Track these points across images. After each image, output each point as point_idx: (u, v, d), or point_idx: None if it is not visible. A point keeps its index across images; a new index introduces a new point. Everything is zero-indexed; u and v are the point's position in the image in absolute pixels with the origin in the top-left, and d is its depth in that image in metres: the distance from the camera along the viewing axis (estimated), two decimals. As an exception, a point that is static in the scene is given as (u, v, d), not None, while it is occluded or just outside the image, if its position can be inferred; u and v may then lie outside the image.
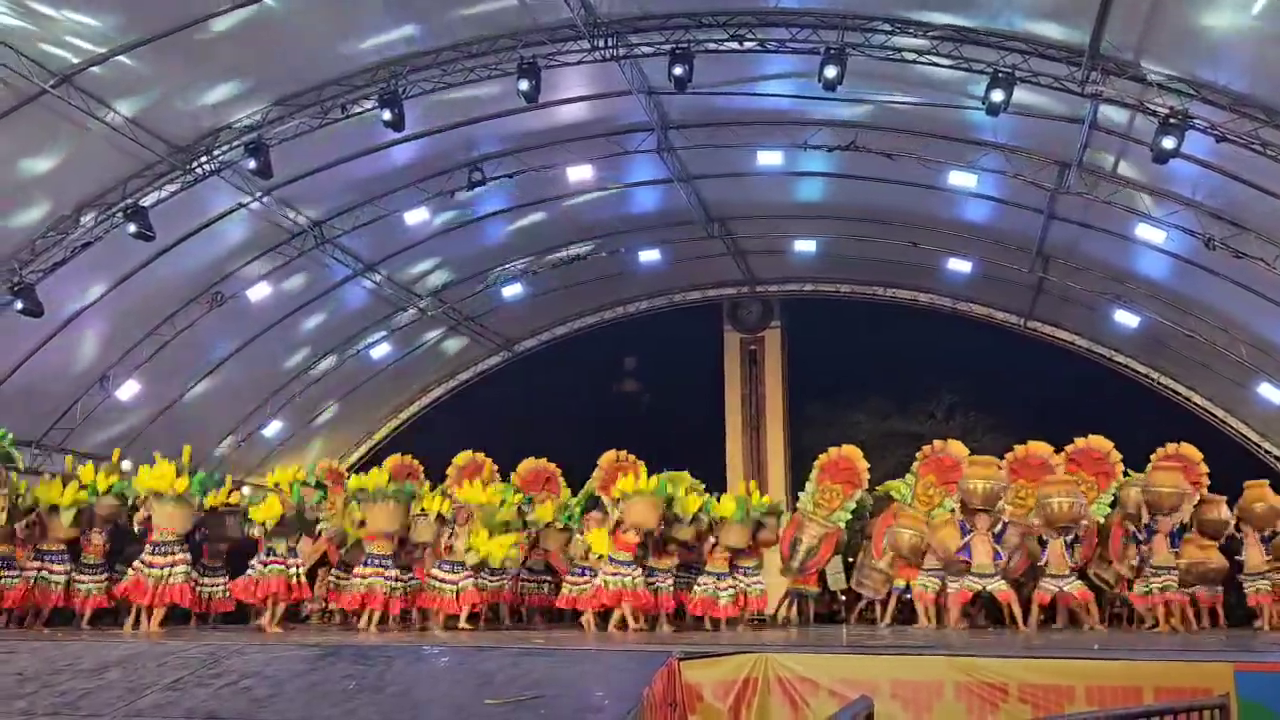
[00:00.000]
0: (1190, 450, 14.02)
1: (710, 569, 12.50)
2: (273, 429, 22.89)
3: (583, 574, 12.41)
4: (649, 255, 21.85)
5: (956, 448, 15.02)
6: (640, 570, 11.72)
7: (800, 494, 16.10)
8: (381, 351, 22.89)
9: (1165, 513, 12.91)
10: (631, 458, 15.42)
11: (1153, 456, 13.93)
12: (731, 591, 12.37)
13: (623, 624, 11.56)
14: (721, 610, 12.22)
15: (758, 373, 24.20)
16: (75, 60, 13.36)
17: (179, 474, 11.04)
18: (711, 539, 12.60)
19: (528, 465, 16.27)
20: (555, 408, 24.60)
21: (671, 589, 12.43)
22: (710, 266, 23.10)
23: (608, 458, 15.88)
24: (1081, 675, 6.78)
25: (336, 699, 6.54)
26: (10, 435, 11.80)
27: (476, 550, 11.51)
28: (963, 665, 6.99)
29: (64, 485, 12.08)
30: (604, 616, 11.82)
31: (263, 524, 11.03)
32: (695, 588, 12.48)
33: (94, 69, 13.56)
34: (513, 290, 22.36)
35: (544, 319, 24.85)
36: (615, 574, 11.52)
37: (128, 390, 18.96)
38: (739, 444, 23.61)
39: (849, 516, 15.48)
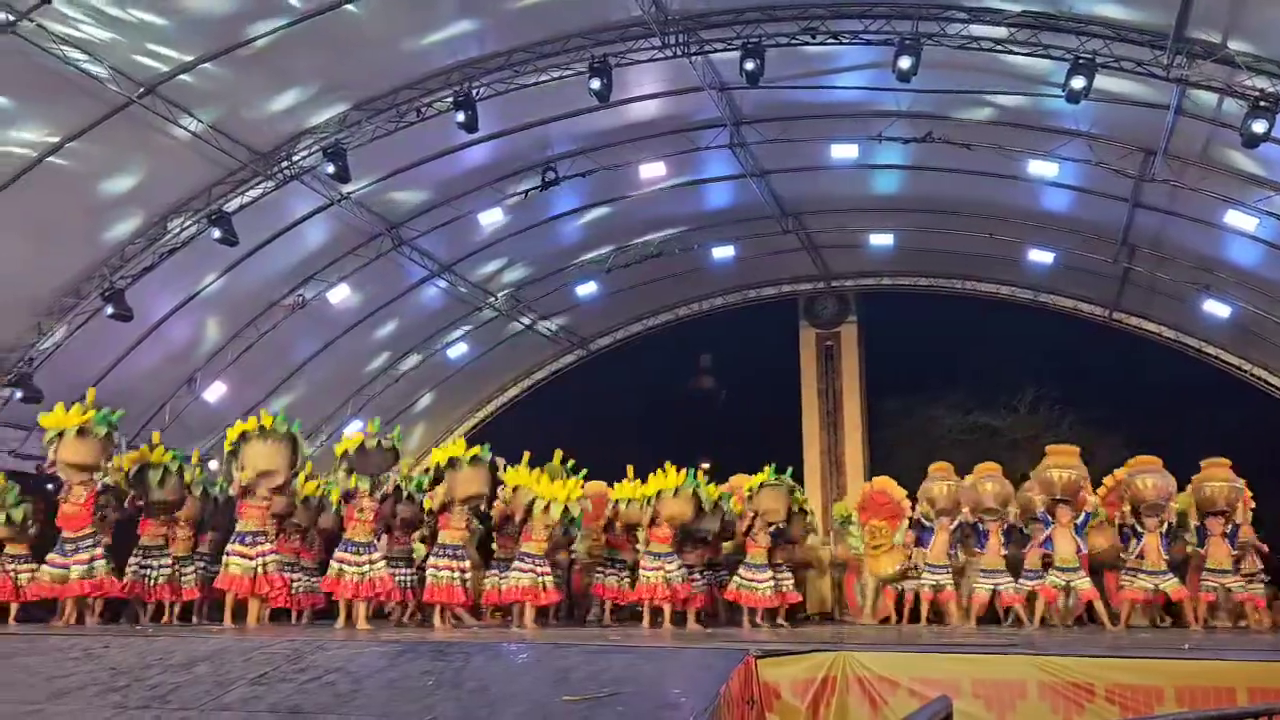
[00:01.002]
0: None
1: (750, 560, 12.43)
2: (353, 429, 23.26)
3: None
4: (723, 251, 21.78)
5: (888, 483, 14.79)
6: (678, 563, 11.79)
7: (846, 539, 15.33)
8: (459, 351, 23.15)
9: (1217, 513, 12.24)
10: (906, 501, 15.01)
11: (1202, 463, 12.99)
12: (772, 584, 12.31)
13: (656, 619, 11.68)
14: (760, 600, 12.14)
15: (834, 368, 23.98)
16: (160, 70, 13.72)
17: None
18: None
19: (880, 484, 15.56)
20: (630, 406, 24.68)
21: (704, 586, 12.64)
22: (785, 262, 22.95)
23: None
24: (1171, 675, 6.58)
25: (416, 695, 6.61)
26: (116, 413, 11.95)
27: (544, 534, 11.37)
28: (1047, 665, 6.84)
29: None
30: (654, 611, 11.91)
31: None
32: (735, 579, 12.45)
33: (178, 79, 13.92)
34: (587, 289, 22.47)
35: (618, 317, 24.91)
36: (655, 568, 11.62)
37: (214, 392, 19.45)
38: (816, 441, 23.42)
39: None
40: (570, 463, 12.96)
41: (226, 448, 11.31)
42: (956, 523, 12.91)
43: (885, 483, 15.03)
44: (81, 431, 11.15)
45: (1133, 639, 9.78)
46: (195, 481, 12.51)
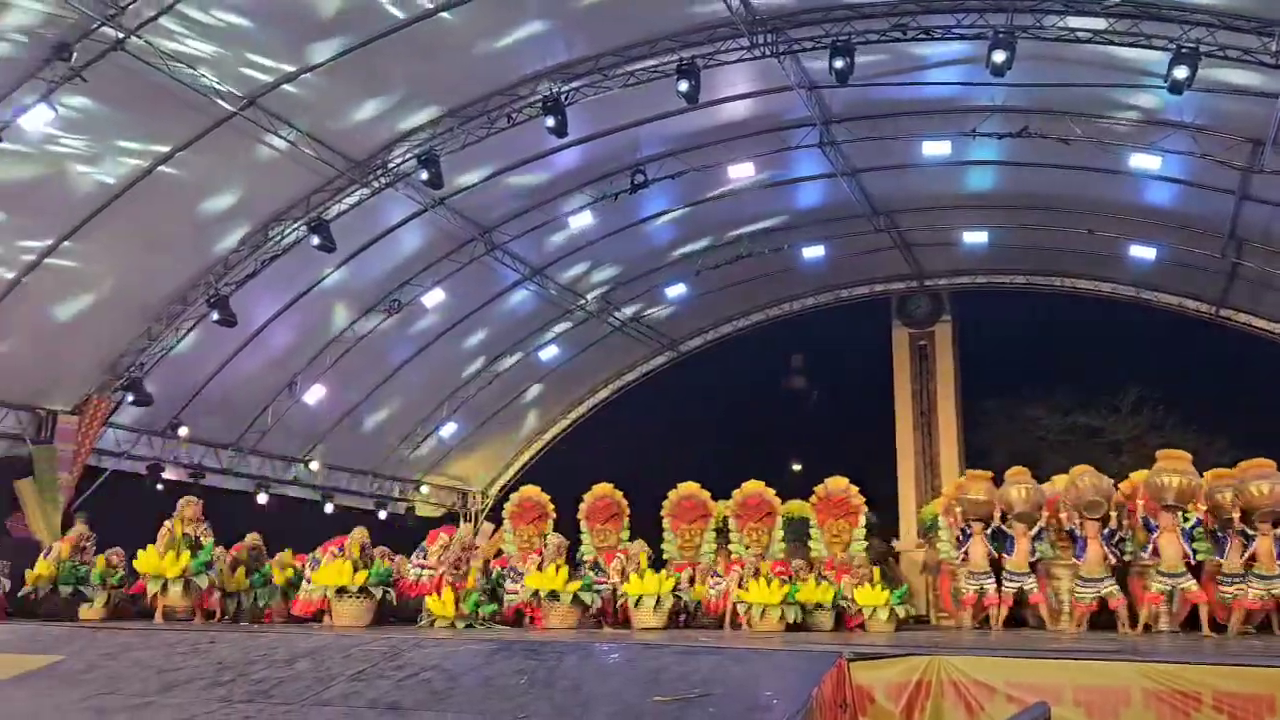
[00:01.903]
0: None
1: None
2: (448, 430, 23.68)
3: None
4: (813, 251, 21.57)
5: (837, 484, 14.39)
6: None
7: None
8: (550, 354, 23.38)
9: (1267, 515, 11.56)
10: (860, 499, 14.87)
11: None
12: None
13: None
14: None
15: (928, 369, 23.57)
16: (261, 83, 14.13)
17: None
18: None
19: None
20: (720, 407, 24.62)
21: None
22: (877, 261, 22.68)
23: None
24: (1282, 684, 6.35)
25: (510, 693, 6.69)
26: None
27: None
28: (1152, 672, 6.63)
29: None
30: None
31: None
32: None
33: (277, 91, 14.31)
34: (677, 290, 22.48)
35: (708, 318, 24.89)
36: None
37: (314, 394, 19.94)
38: (910, 443, 23.03)
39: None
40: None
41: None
42: (1037, 528, 12.67)
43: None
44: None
45: (1243, 646, 9.37)
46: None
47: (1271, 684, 6.34)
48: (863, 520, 14.33)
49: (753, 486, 14.66)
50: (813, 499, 14.56)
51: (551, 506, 14.94)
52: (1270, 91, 13.82)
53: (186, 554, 11.55)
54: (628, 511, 14.84)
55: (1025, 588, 12.61)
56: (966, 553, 12.88)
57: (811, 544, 14.42)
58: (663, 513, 14.79)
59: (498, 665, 7.26)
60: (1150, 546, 11.94)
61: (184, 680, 7.45)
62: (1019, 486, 12.99)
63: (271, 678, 7.32)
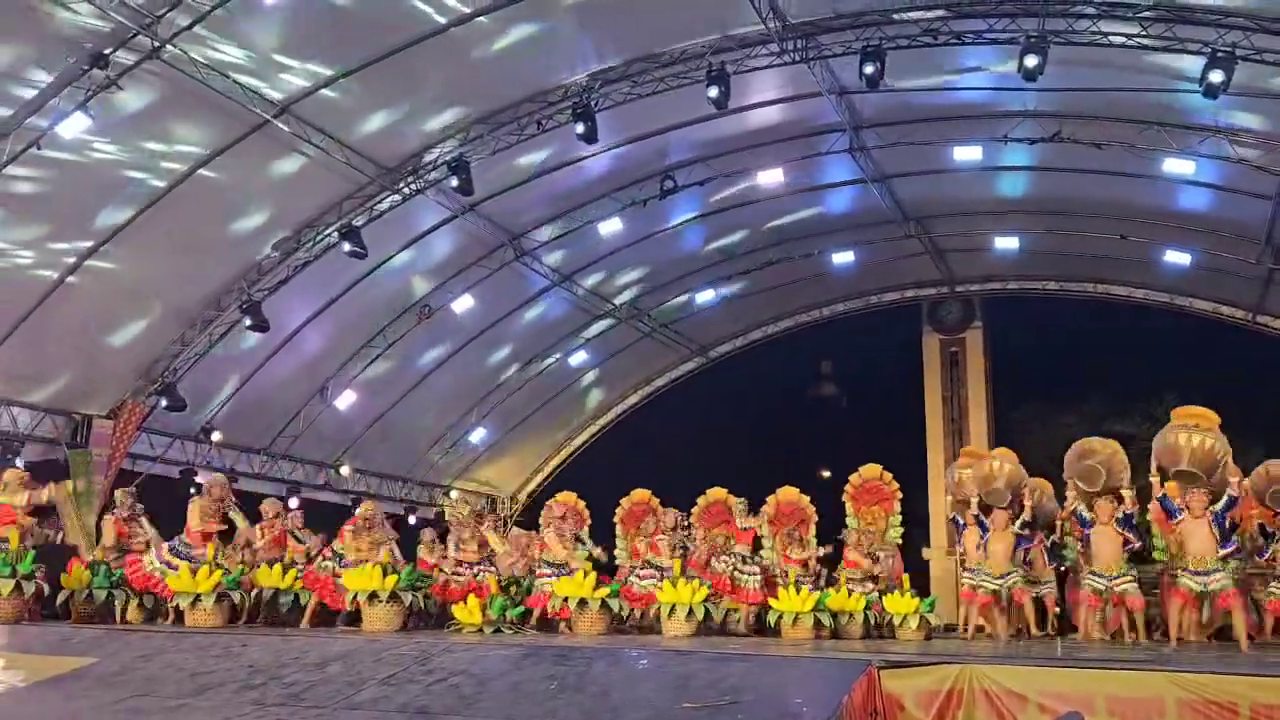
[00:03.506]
0: None
1: None
2: (477, 435, 23.76)
3: None
4: (843, 257, 21.52)
5: (871, 471, 14.40)
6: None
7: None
8: (579, 359, 23.42)
9: None
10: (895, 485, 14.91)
11: None
12: None
13: None
14: None
15: (959, 375, 23.45)
16: (294, 91, 14.26)
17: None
18: None
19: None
20: (749, 413, 24.57)
21: None
22: (907, 267, 22.58)
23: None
24: (1323, 696, 6.25)
25: (539, 698, 6.71)
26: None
27: None
28: (1187, 682, 6.55)
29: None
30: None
31: None
32: None
33: (310, 98, 14.44)
34: (706, 296, 22.48)
35: (738, 324, 24.85)
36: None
37: (345, 400, 20.08)
38: (940, 449, 22.89)
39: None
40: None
41: None
42: (1021, 519, 11.73)
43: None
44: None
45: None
46: None
47: (1310, 695, 6.26)
48: (897, 506, 14.35)
49: (788, 494, 14.68)
50: (847, 487, 14.61)
51: (586, 511, 15.00)
52: (1308, 95, 13.69)
53: (220, 571, 11.66)
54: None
55: (1005, 588, 11.59)
56: (962, 547, 12.17)
57: (764, 552, 14.19)
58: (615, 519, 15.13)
59: (527, 670, 7.28)
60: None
61: (217, 683, 7.51)
62: (982, 463, 12.39)
63: (303, 681, 7.37)
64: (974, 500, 12.10)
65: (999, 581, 11.54)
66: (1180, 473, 10.24)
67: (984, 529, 11.77)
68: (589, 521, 14.82)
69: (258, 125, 14.43)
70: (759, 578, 12.33)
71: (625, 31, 14.61)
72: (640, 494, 15.21)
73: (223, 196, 15.46)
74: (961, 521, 12.43)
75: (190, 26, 12.58)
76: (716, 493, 15.09)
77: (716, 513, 14.83)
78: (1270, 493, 11.41)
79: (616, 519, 15.27)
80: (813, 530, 14.43)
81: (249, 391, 18.73)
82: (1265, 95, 14.02)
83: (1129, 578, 10.66)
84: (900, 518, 14.47)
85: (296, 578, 12.10)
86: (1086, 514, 11.07)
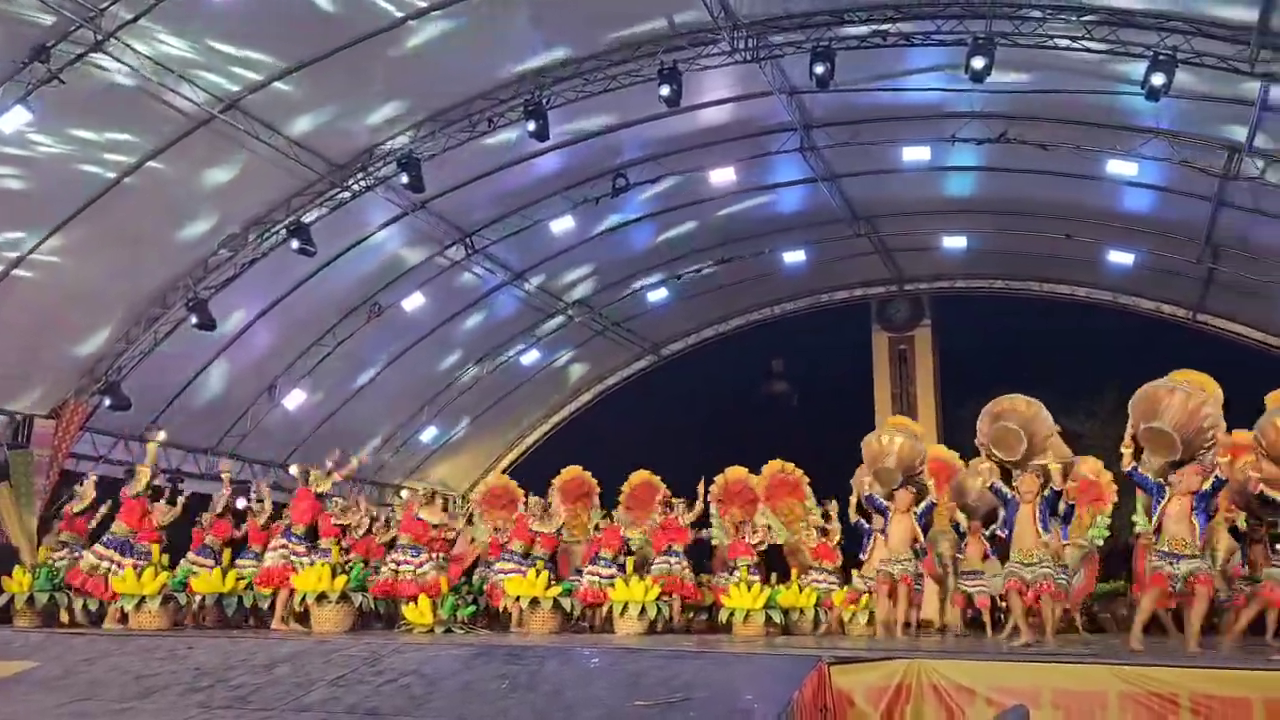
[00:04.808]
0: None
1: None
2: (428, 434, 23.62)
3: None
4: (794, 256, 21.67)
5: (773, 466, 14.34)
6: None
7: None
8: (531, 357, 23.34)
9: None
10: (798, 473, 14.95)
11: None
12: None
13: None
14: None
15: (908, 373, 23.69)
16: (241, 87, 14.07)
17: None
18: None
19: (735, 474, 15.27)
20: (701, 411, 24.64)
21: None
22: (857, 265, 22.77)
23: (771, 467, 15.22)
24: (1260, 687, 6.37)
25: (491, 697, 6.69)
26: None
27: None
28: (1129, 674, 6.68)
29: None
30: None
31: None
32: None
33: (258, 94, 14.25)
34: (658, 294, 22.52)
35: (689, 322, 24.92)
36: None
37: (294, 399, 19.86)
38: (890, 446, 23.09)
39: (1106, 533, 13.76)
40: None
41: None
42: (926, 501, 11.09)
43: (1094, 464, 13.79)
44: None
45: (1218, 648, 9.21)
46: None
47: (1250, 687, 6.40)
48: (808, 491, 14.38)
49: (736, 473, 14.80)
50: (761, 488, 14.65)
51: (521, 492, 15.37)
52: (1247, 99, 13.96)
53: (165, 574, 11.51)
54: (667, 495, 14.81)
55: (900, 573, 10.71)
56: (886, 533, 11.00)
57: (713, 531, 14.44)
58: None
59: (478, 670, 7.26)
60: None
61: (162, 686, 7.42)
62: (872, 439, 11.40)
63: (250, 683, 7.29)
64: (866, 480, 11.43)
65: (896, 568, 10.69)
66: (1151, 431, 8.94)
67: (884, 513, 10.95)
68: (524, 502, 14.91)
69: (204, 121, 14.21)
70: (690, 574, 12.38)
71: (577, 29, 14.59)
72: (639, 476, 15.45)
73: (168, 192, 15.20)
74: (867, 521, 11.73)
75: (135, 20, 12.36)
76: (641, 475, 15.32)
77: (641, 495, 15.02)
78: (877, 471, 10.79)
79: (621, 500, 15.44)
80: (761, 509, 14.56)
81: (195, 390, 18.45)
82: (1206, 98, 14.30)
83: (1049, 565, 9.47)
84: (814, 501, 14.56)
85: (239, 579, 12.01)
86: (1006, 490, 9.77)
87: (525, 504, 13.35)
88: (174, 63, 13.29)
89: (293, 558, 11.66)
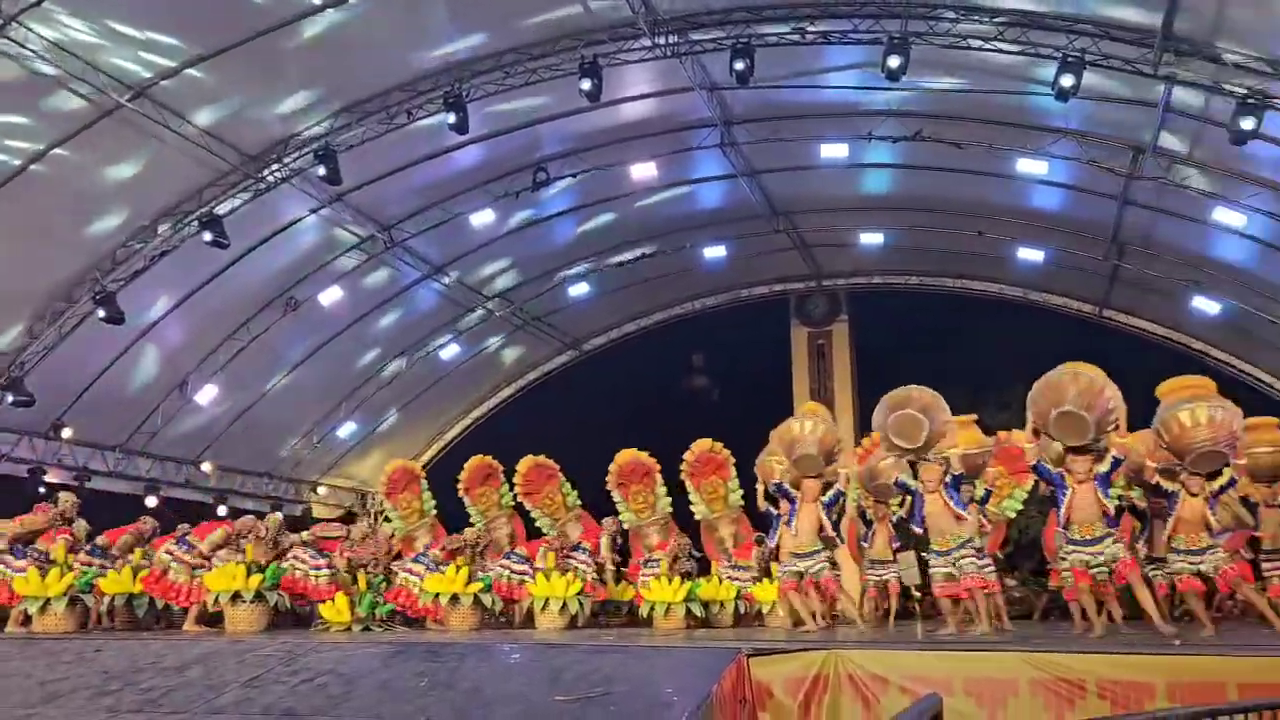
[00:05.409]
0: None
1: None
2: (346, 430, 23.30)
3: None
4: (714, 251, 21.81)
5: (702, 445, 14.57)
6: None
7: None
8: (451, 352, 23.15)
9: (1265, 480, 10.57)
10: (725, 452, 15.00)
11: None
12: None
13: None
14: None
15: (826, 367, 24.00)
16: (150, 74, 13.72)
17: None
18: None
19: (626, 456, 15.33)
20: (623, 405, 24.61)
21: None
22: (776, 261, 22.98)
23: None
24: (1162, 671, 6.60)
25: (409, 696, 6.63)
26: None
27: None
28: (1039, 661, 6.86)
29: None
30: None
31: None
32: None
33: (168, 82, 13.91)
34: (579, 289, 22.48)
35: (611, 317, 24.95)
36: None
37: (206, 394, 19.45)
38: (809, 439, 23.36)
39: (1019, 507, 13.89)
40: None
41: None
42: (834, 491, 10.76)
43: (1021, 435, 13.60)
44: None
45: (1122, 634, 9.39)
46: None
47: (1152, 671, 6.61)
48: (733, 472, 14.54)
49: (628, 455, 14.97)
50: (684, 465, 14.78)
51: (424, 475, 15.83)
52: (1150, 101, 14.41)
53: (71, 574, 11.20)
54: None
55: (813, 569, 10.33)
56: (792, 524, 10.50)
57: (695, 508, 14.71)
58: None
59: (396, 668, 7.19)
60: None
61: (68, 690, 7.22)
62: (789, 425, 10.85)
63: (161, 686, 7.13)
64: (779, 469, 11.09)
65: (805, 563, 10.35)
66: (1062, 416, 8.85)
67: (791, 502, 10.57)
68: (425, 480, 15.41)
69: (111, 109, 13.83)
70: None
71: (497, 21, 14.49)
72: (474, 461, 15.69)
73: (75, 182, 14.76)
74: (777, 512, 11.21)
75: (38, 3, 11.98)
76: (530, 460, 15.49)
77: (536, 477, 15.18)
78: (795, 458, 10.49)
79: (610, 484, 15.42)
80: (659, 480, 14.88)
81: (103, 386, 17.94)
82: (1112, 100, 14.72)
83: (967, 553, 9.34)
84: (737, 482, 14.75)
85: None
86: (911, 482, 9.81)
87: (348, 535, 13.12)
88: (79, 48, 12.91)
89: (173, 564, 11.47)
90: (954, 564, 9.34)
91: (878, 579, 12.24)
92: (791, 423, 10.86)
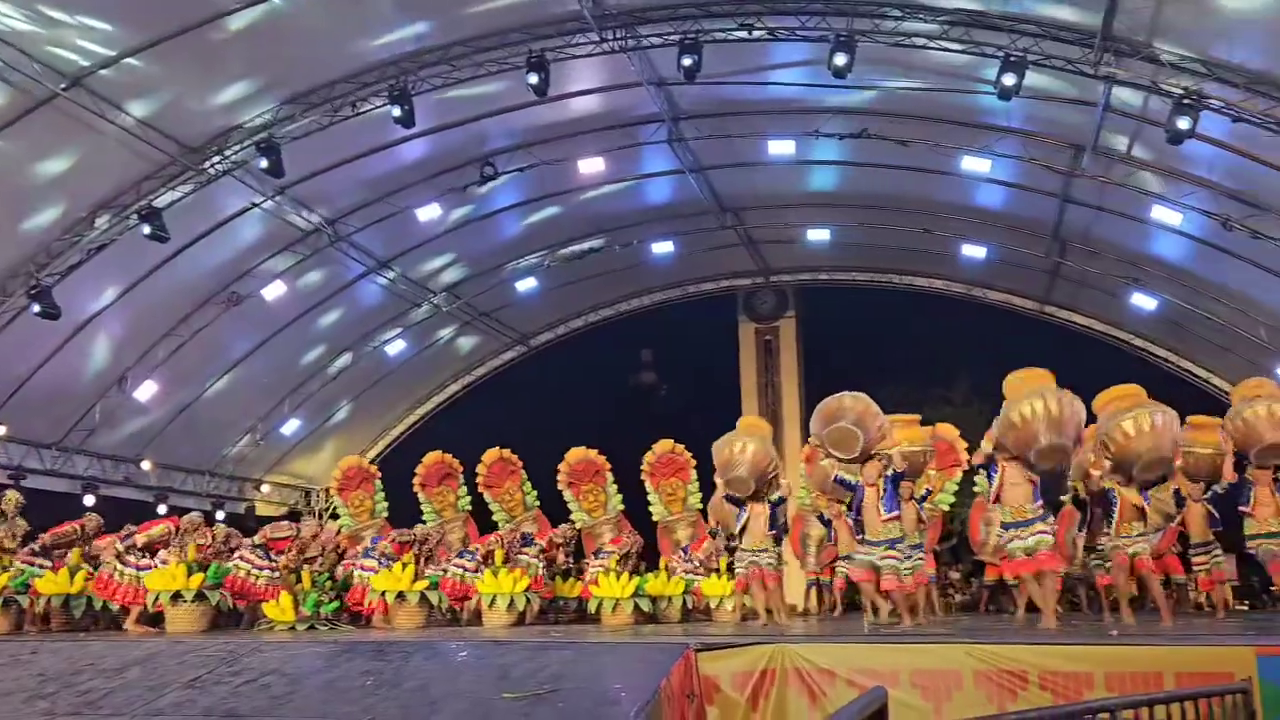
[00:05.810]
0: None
1: None
2: (290, 427, 22.99)
3: None
4: (662, 247, 21.83)
5: (664, 446, 14.87)
6: None
7: None
8: (398, 348, 22.93)
9: (1203, 479, 11.28)
10: (687, 455, 15.02)
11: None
12: None
13: None
14: None
15: (773, 363, 24.18)
16: (86, 63, 13.42)
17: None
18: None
19: (576, 455, 15.58)
20: (572, 401, 24.58)
21: None
22: (724, 257, 23.06)
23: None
24: (1101, 661, 6.71)
25: (354, 695, 6.55)
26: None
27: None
28: (982, 653, 6.94)
29: None
30: None
31: None
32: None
33: (105, 71, 13.62)
34: (527, 284, 22.38)
35: (558, 312, 24.86)
36: None
37: (146, 391, 19.08)
38: (756, 434, 23.50)
39: (952, 500, 14.28)
40: None
41: None
42: (779, 493, 10.95)
43: (948, 429, 14.11)
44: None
45: (1062, 626, 9.56)
46: None
47: (1091, 661, 6.72)
48: (693, 475, 14.63)
49: (578, 453, 15.23)
50: (644, 466, 14.85)
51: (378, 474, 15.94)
52: (1091, 100, 14.64)
53: (5, 575, 10.95)
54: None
55: (763, 563, 10.60)
56: (744, 528, 10.72)
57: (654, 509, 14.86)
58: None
59: (342, 667, 7.11)
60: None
61: (3, 693, 7.05)
62: (722, 447, 10.78)
63: (100, 688, 6.99)
64: (719, 483, 11.01)
65: (762, 558, 10.60)
66: (835, 432, 9.81)
67: (740, 505, 10.77)
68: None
69: (45, 100, 13.50)
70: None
71: (443, 14, 14.37)
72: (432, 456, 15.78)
73: (8, 174, 14.40)
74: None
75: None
76: (495, 452, 15.51)
77: (499, 471, 15.19)
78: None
79: (561, 482, 15.48)
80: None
81: (39, 382, 17.52)
82: (1054, 99, 14.93)
83: (891, 554, 9.50)
84: (697, 485, 14.84)
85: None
86: (849, 477, 9.98)
87: (298, 534, 12.98)
88: (14, 37, 12.60)
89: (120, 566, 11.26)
90: (879, 558, 9.60)
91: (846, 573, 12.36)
92: (722, 444, 10.78)
